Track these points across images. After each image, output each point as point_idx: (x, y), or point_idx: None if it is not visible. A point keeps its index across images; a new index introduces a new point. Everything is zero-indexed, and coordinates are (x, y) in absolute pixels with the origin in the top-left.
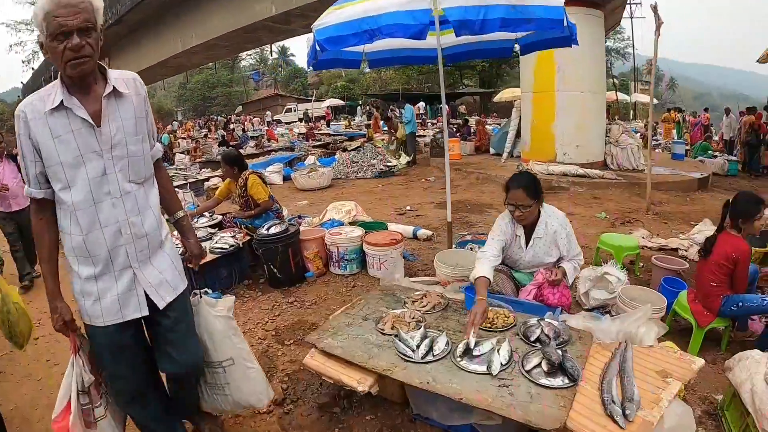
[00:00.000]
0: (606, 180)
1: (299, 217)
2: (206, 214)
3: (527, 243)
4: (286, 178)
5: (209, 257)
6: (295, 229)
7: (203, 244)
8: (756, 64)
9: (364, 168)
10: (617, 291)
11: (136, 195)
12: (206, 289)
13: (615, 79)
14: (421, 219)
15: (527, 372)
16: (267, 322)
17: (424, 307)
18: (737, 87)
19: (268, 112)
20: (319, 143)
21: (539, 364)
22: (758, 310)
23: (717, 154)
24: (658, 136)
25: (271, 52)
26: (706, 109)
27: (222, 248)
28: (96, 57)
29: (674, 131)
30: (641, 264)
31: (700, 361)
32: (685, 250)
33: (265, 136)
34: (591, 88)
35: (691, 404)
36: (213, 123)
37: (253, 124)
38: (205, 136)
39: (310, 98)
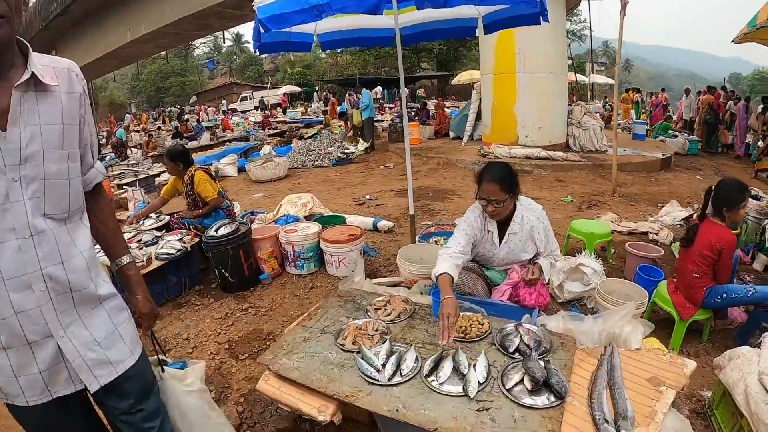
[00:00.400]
0: (570, 162)
1: (252, 213)
2: (152, 215)
3: (501, 239)
4: (241, 170)
5: (155, 264)
6: (246, 229)
7: (148, 250)
8: (710, 45)
9: (321, 156)
10: (593, 283)
11: (56, 235)
12: (163, 357)
13: (572, 60)
14: (381, 209)
15: (508, 390)
16: (219, 333)
17: (388, 315)
18: (692, 68)
19: (224, 101)
20: (275, 132)
21: (521, 381)
22: (743, 302)
23: (677, 133)
24: (618, 117)
25: (224, 39)
26: (663, 90)
27: (168, 254)
28: (14, 24)
29: (632, 111)
30: (613, 250)
31: (691, 364)
32: (656, 234)
33: (220, 126)
34: (553, 69)
35: (677, 403)
36: (166, 115)
37: (207, 114)
38: (159, 128)
39: (265, 85)
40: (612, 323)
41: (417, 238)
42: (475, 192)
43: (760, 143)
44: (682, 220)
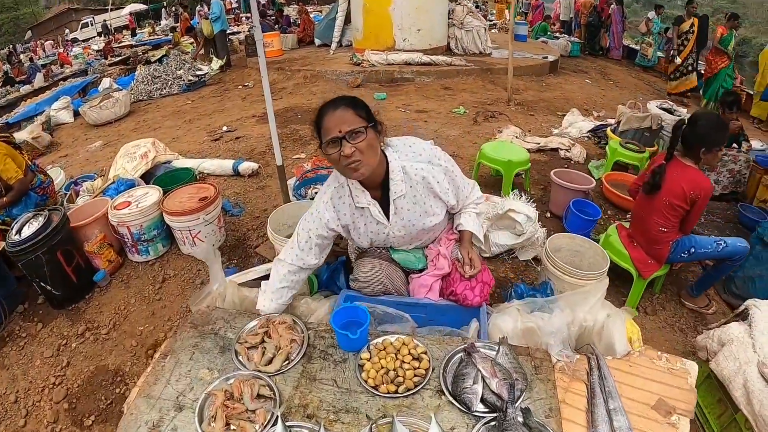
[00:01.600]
0: (455, 67)
1: (75, 183)
2: None
3: (387, 211)
4: (79, 114)
5: None
6: (60, 218)
7: None
8: None
9: (169, 82)
10: (527, 233)
11: None
12: None
13: None
14: (242, 143)
15: None
16: (54, 383)
17: (270, 363)
18: None
19: (67, 30)
20: (118, 59)
21: None
22: (711, 256)
23: (557, 35)
24: (491, 17)
25: None
26: None
27: None
28: None
29: (506, 11)
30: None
31: (693, 368)
32: (567, 150)
33: (57, 62)
34: None
35: None
36: None
37: (45, 50)
38: None
39: (108, 7)
40: (582, 312)
41: (291, 189)
42: (317, 145)
43: (676, 59)
44: (589, 132)
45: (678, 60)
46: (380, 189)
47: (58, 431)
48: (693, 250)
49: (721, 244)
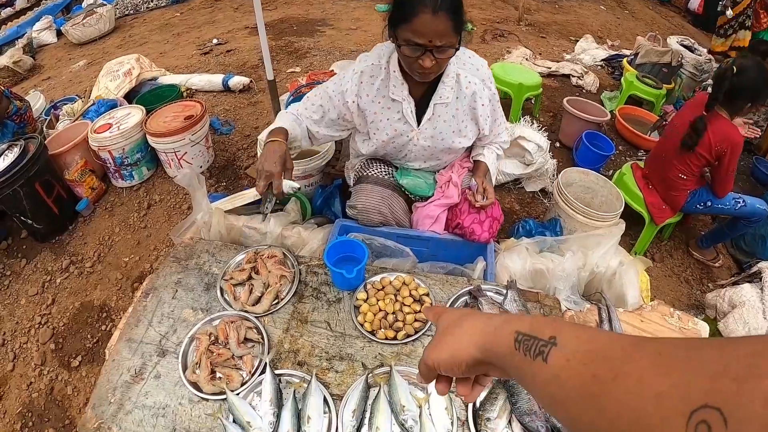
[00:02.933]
0: None
1: (55, 107)
2: None
3: (421, 115)
4: (62, 33)
5: None
6: (36, 148)
7: None
8: None
9: None
10: (537, 163)
11: None
12: None
13: None
14: (233, 56)
15: None
16: (40, 323)
17: (258, 302)
18: None
19: None
20: None
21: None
22: (728, 212)
23: None
24: None
25: None
26: None
27: None
28: None
29: None
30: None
31: (705, 329)
32: (580, 78)
33: None
34: None
35: None
36: None
37: None
38: None
39: None
40: (595, 257)
41: (284, 105)
42: (383, 29)
43: None
44: (603, 60)
45: (730, 13)
46: (422, 87)
47: (46, 374)
48: (710, 203)
49: (739, 202)
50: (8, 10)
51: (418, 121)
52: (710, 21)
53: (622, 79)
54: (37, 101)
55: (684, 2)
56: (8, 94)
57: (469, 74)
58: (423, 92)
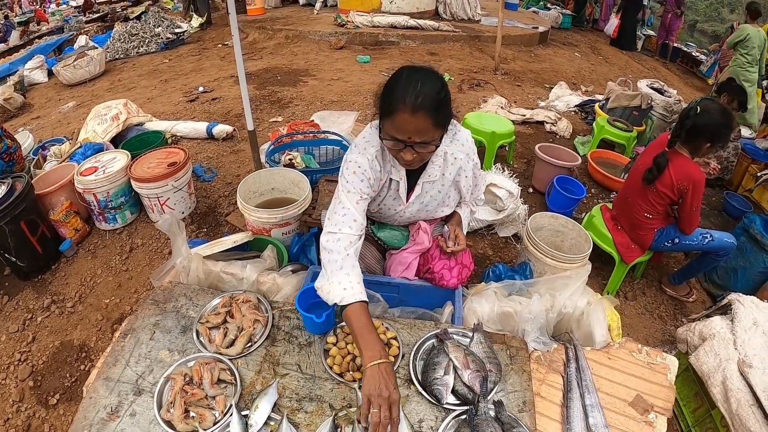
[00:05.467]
0: (442, 32)
1: (43, 147)
2: None
3: (410, 191)
4: (53, 73)
5: None
6: (24, 186)
7: None
8: None
9: (147, 40)
10: (508, 209)
11: None
12: None
13: None
14: (218, 104)
15: None
16: (20, 360)
17: (231, 345)
18: None
19: None
20: (96, 15)
21: None
22: (695, 248)
23: (550, 6)
24: None
25: None
26: None
27: None
28: None
29: None
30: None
31: (673, 363)
32: (553, 125)
33: (35, 19)
34: None
35: None
36: None
37: (21, 7)
38: None
39: None
40: (562, 298)
41: (264, 154)
42: (372, 117)
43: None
44: (576, 106)
45: None
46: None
47: (23, 410)
48: (677, 240)
49: (707, 237)
50: (1, 46)
51: (408, 196)
52: (624, 43)
53: (594, 123)
54: (25, 140)
55: (656, 45)
56: (1, 132)
57: (455, 150)
58: (412, 172)
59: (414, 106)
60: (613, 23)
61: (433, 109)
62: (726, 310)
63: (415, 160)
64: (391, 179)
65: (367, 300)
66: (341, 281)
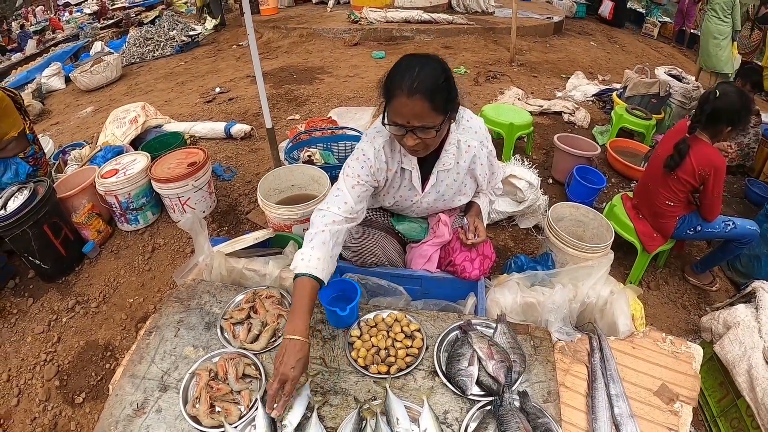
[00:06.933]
0: (456, 26)
1: (63, 152)
2: None
3: (425, 180)
4: (70, 80)
5: None
6: (46, 190)
7: None
8: None
9: (162, 44)
10: (528, 200)
11: None
12: None
13: None
14: (235, 104)
15: None
16: (45, 360)
17: (256, 340)
18: None
19: None
20: (110, 21)
21: None
22: (718, 236)
23: None
24: None
25: None
26: None
27: None
28: None
29: None
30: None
31: (698, 352)
32: (571, 114)
33: (50, 27)
34: None
35: None
36: None
37: (36, 16)
38: None
39: None
40: (585, 288)
41: (283, 152)
42: (377, 108)
43: None
44: (594, 96)
45: None
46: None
47: (50, 409)
48: (699, 228)
49: (729, 225)
50: (18, 55)
51: (423, 185)
52: (620, 24)
53: (612, 112)
54: (46, 145)
55: (672, 32)
56: (32, 138)
57: (468, 138)
58: (426, 158)
59: (410, 90)
60: (607, 5)
61: (429, 93)
62: (750, 298)
63: (418, 146)
64: (403, 168)
65: (319, 277)
66: (303, 252)
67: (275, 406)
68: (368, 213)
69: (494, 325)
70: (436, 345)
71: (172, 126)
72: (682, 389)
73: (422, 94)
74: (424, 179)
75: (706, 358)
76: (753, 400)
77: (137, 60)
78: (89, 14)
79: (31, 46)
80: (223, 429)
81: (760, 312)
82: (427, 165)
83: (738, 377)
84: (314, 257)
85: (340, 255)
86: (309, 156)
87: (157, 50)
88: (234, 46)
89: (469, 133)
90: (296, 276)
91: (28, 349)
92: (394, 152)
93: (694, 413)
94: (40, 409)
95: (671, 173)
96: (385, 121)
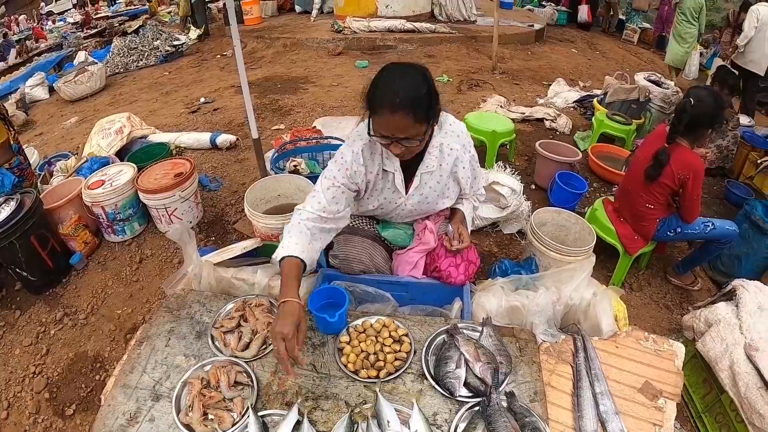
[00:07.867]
0: (439, 35)
1: (48, 163)
2: None
3: (409, 183)
4: (54, 89)
5: None
6: (33, 201)
7: None
8: None
9: (146, 54)
10: (511, 206)
11: None
12: None
13: None
14: (220, 114)
15: None
16: (34, 372)
17: (246, 348)
18: None
19: (42, 3)
20: (94, 31)
21: None
22: (698, 237)
23: (545, 3)
24: None
25: None
26: None
27: None
28: None
29: None
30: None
31: (680, 350)
32: (553, 121)
33: (33, 36)
34: None
35: None
36: None
37: (18, 25)
38: None
39: None
40: (568, 290)
41: (269, 162)
42: (361, 115)
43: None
44: (575, 102)
45: None
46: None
47: (40, 422)
48: (680, 230)
49: (708, 226)
50: (1, 65)
51: (406, 188)
52: (596, 26)
53: (593, 118)
54: (31, 156)
55: (653, 38)
56: (17, 149)
57: (450, 141)
58: (409, 161)
59: (393, 106)
60: (583, 10)
61: (412, 107)
62: (731, 297)
63: (404, 153)
64: (386, 171)
65: (301, 258)
66: (282, 242)
67: (290, 369)
68: (354, 221)
69: (480, 328)
70: (424, 349)
71: (158, 136)
72: (666, 386)
73: (405, 110)
74: (408, 182)
75: (689, 356)
76: (736, 395)
77: (121, 70)
78: (73, 24)
79: (13, 56)
80: None
81: (741, 309)
82: (410, 168)
83: (721, 373)
84: (292, 242)
85: (328, 263)
86: (295, 166)
87: (141, 60)
88: (218, 56)
89: (451, 137)
90: (279, 262)
91: (17, 361)
92: (374, 155)
93: (679, 410)
94: (30, 422)
95: (652, 181)
96: (371, 133)
